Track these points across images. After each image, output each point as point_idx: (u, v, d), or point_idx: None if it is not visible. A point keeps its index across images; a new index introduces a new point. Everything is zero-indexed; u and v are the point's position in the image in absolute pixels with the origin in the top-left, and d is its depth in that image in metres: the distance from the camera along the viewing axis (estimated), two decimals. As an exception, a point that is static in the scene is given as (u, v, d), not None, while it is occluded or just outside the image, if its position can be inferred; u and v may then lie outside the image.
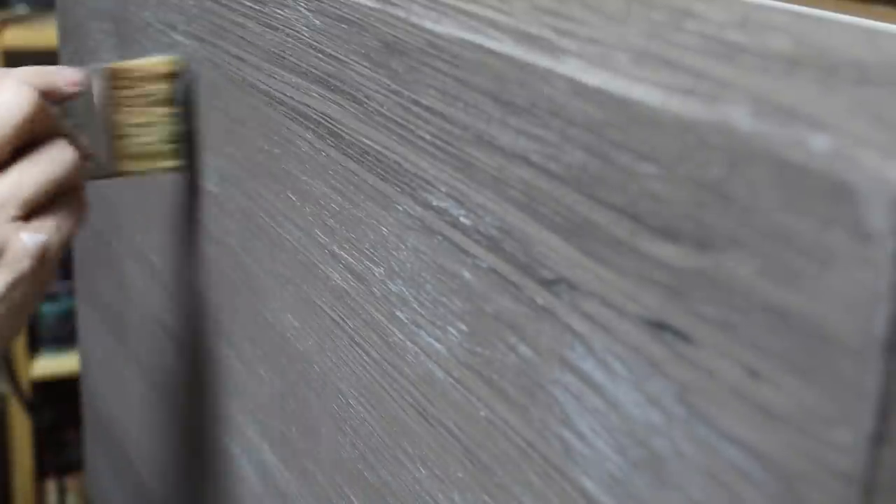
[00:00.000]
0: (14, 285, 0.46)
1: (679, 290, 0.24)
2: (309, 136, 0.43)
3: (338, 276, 0.42)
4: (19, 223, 0.47)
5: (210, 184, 0.54)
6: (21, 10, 1.69)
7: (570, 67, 0.27)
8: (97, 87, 0.52)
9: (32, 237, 0.47)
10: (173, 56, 0.55)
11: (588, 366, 0.27)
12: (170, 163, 0.55)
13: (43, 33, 1.56)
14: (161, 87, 0.54)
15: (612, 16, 0.28)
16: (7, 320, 0.47)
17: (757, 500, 0.22)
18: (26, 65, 0.51)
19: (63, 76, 0.50)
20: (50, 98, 0.49)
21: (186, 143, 0.55)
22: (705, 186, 0.23)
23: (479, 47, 0.30)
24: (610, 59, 0.26)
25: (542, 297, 0.29)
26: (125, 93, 0.53)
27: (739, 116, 0.22)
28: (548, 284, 0.29)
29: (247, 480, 0.54)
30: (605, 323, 0.26)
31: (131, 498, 0.78)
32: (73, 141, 0.50)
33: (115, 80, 0.52)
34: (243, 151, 0.50)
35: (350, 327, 0.41)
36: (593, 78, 0.26)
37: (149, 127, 0.54)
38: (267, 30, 0.45)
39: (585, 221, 0.27)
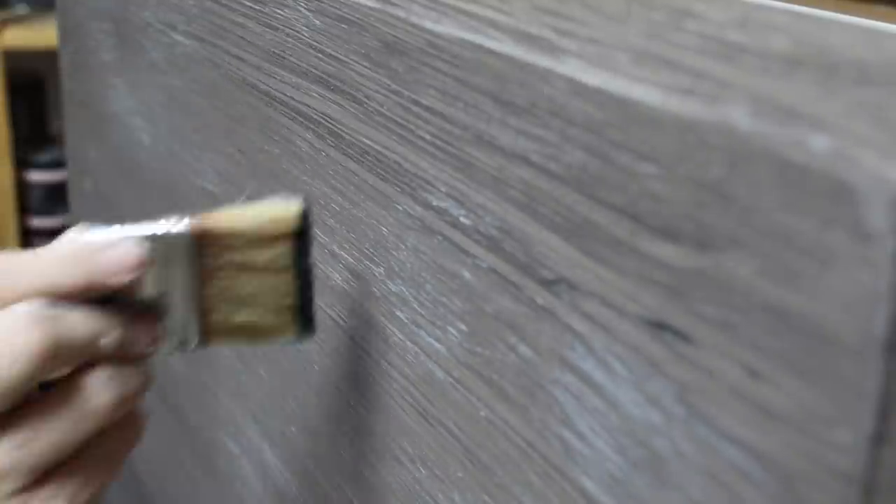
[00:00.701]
0: None
1: (679, 290, 0.24)
2: (309, 136, 0.43)
3: (338, 276, 0.42)
4: (26, 495, 0.34)
5: (210, 184, 0.54)
6: (21, 10, 1.69)
7: (570, 67, 0.27)
8: (179, 252, 0.36)
9: None
10: (295, 203, 0.36)
11: (588, 366, 0.27)
12: (285, 335, 0.38)
13: (43, 33, 1.56)
14: (277, 251, 0.37)
15: (612, 16, 0.28)
16: None
17: (757, 500, 0.22)
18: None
19: (114, 259, 0.34)
20: (95, 291, 0.34)
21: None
22: (705, 186, 0.23)
23: (479, 47, 0.30)
24: (610, 59, 0.26)
25: (542, 297, 0.29)
26: (221, 259, 0.36)
27: (739, 116, 0.22)
28: (548, 284, 0.29)
29: (247, 480, 0.54)
30: (605, 323, 0.26)
31: (131, 498, 0.78)
32: (131, 332, 0.35)
33: (206, 243, 0.36)
34: (243, 151, 0.50)
35: (350, 327, 0.41)
36: (593, 78, 0.26)
37: (257, 297, 0.37)
38: (267, 30, 0.45)
39: (585, 221, 0.27)
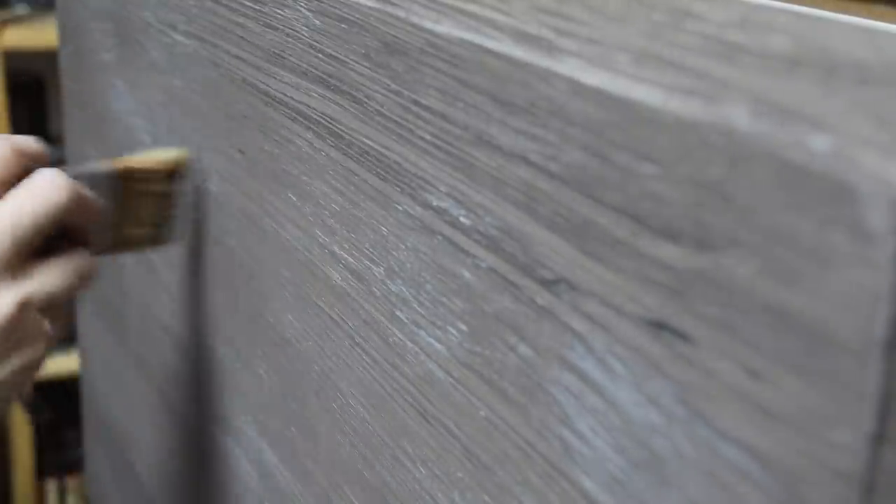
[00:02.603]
0: None
1: (679, 290, 0.24)
2: (309, 136, 0.43)
3: (338, 276, 0.42)
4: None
5: (210, 184, 0.54)
6: (21, 10, 1.69)
7: (570, 67, 0.27)
8: (105, 186, 0.51)
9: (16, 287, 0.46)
10: (178, 150, 0.56)
11: (588, 366, 0.27)
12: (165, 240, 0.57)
13: (43, 33, 1.56)
14: (166, 185, 0.55)
15: (612, 16, 0.27)
16: None
17: (757, 501, 0.22)
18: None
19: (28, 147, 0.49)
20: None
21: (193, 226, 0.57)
22: (705, 186, 0.23)
23: (479, 47, 0.30)
24: (610, 59, 0.26)
25: (542, 297, 0.29)
26: (132, 187, 0.53)
27: (739, 116, 0.22)
28: (548, 284, 0.29)
29: (247, 480, 0.54)
30: (605, 323, 0.26)
31: (131, 498, 0.78)
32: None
33: (123, 178, 0.53)
34: (243, 151, 0.50)
35: (350, 327, 0.41)
36: (593, 78, 0.26)
37: (152, 215, 0.55)
38: (267, 30, 0.45)
39: (585, 221, 0.27)
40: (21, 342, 0.46)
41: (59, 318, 0.48)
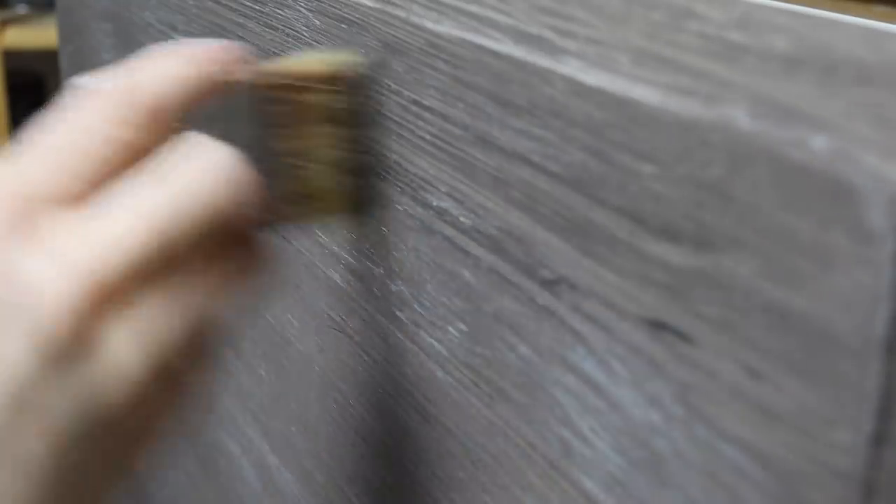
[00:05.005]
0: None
1: (679, 290, 0.24)
2: (309, 136, 0.43)
3: (338, 276, 0.42)
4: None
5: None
6: (21, 10, 1.69)
7: (570, 67, 0.27)
8: (245, 101, 0.34)
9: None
10: (347, 54, 0.37)
11: (588, 366, 0.27)
12: (341, 207, 0.37)
13: (43, 33, 1.56)
14: (330, 98, 0.36)
15: (612, 16, 0.27)
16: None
17: (757, 500, 0.22)
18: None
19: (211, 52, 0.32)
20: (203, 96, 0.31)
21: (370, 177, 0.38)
22: (705, 186, 0.23)
23: (479, 47, 0.30)
24: (610, 59, 0.26)
25: (543, 297, 0.29)
26: (279, 107, 0.35)
27: (739, 116, 0.22)
28: (548, 284, 0.29)
29: (247, 480, 0.54)
30: (606, 323, 0.26)
31: (131, 498, 0.78)
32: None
33: (268, 89, 0.35)
34: (243, 151, 0.50)
35: (350, 327, 0.41)
36: (593, 78, 0.26)
37: (313, 153, 0.36)
38: (267, 30, 0.45)
39: (585, 221, 0.27)
40: None
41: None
